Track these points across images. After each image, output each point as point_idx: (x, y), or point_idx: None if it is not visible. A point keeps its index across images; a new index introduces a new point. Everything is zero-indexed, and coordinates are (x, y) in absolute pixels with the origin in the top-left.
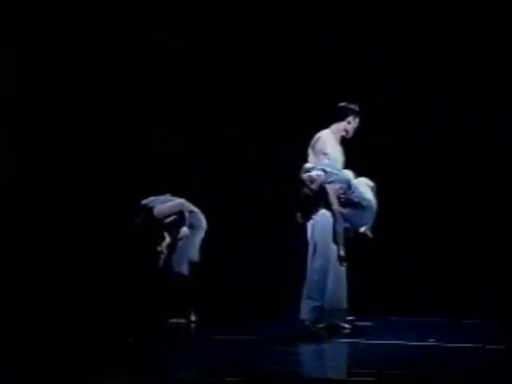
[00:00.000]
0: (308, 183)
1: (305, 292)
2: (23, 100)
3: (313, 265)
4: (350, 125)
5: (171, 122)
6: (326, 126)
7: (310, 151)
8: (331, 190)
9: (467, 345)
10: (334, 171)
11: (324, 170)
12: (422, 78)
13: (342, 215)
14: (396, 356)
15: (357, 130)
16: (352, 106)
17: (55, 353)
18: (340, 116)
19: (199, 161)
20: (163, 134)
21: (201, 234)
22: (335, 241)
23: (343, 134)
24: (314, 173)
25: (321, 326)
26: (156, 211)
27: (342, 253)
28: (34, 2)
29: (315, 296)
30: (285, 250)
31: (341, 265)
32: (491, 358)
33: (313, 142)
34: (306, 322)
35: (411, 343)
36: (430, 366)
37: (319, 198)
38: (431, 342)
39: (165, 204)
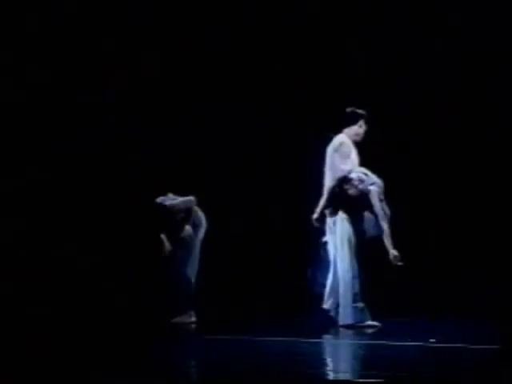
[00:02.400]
0: (357, 183)
1: (347, 295)
2: (29, 97)
3: (352, 268)
4: (361, 128)
5: (171, 122)
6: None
7: (331, 153)
8: (374, 191)
9: (470, 346)
10: (371, 175)
11: (365, 173)
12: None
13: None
14: (403, 357)
15: (366, 134)
16: (361, 111)
17: (55, 353)
18: (351, 121)
19: (199, 160)
20: (162, 134)
21: (202, 233)
22: (382, 240)
23: (356, 138)
24: (360, 174)
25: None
26: (170, 205)
27: (395, 252)
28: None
29: (359, 297)
30: (285, 250)
31: (396, 263)
32: (492, 359)
33: (335, 145)
34: (359, 324)
35: (418, 344)
36: (435, 366)
37: (362, 198)
38: (432, 342)
39: (176, 200)
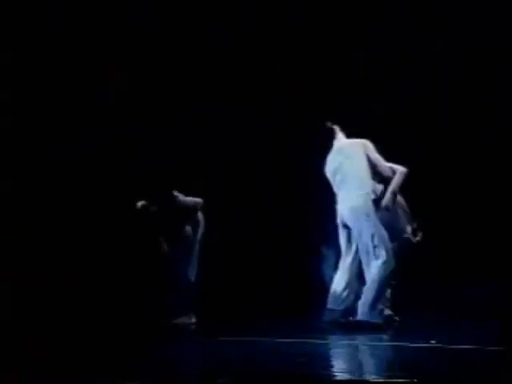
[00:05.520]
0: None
1: (374, 293)
2: (29, 97)
3: (381, 269)
4: None
5: (171, 122)
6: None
7: (372, 152)
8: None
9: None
10: None
11: None
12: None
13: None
14: (403, 357)
15: None
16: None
17: (55, 353)
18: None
19: (199, 160)
20: (162, 134)
21: (200, 234)
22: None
23: None
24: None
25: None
26: (181, 199)
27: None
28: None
29: (384, 299)
30: (285, 249)
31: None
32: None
33: (370, 145)
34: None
35: (418, 344)
36: (435, 367)
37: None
38: (432, 342)
39: (185, 198)
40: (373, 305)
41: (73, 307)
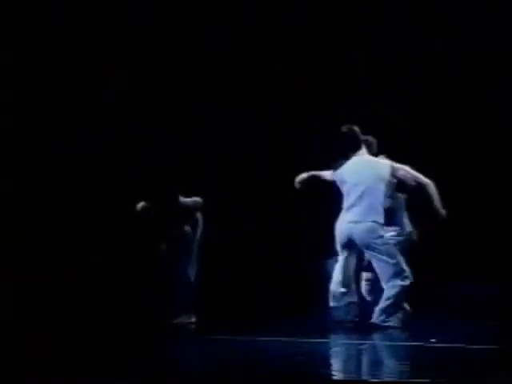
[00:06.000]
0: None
1: (400, 298)
2: (29, 97)
3: (403, 282)
4: None
5: (171, 122)
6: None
7: (402, 169)
8: None
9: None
10: None
11: None
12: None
13: None
14: (403, 357)
15: None
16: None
17: (55, 352)
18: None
19: (199, 160)
20: (162, 134)
21: (198, 234)
22: None
23: None
24: None
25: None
26: (181, 199)
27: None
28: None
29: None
30: (285, 250)
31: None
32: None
33: (392, 168)
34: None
35: (418, 344)
36: (435, 367)
37: None
38: (432, 342)
39: (185, 198)
40: (395, 311)
41: (73, 307)
